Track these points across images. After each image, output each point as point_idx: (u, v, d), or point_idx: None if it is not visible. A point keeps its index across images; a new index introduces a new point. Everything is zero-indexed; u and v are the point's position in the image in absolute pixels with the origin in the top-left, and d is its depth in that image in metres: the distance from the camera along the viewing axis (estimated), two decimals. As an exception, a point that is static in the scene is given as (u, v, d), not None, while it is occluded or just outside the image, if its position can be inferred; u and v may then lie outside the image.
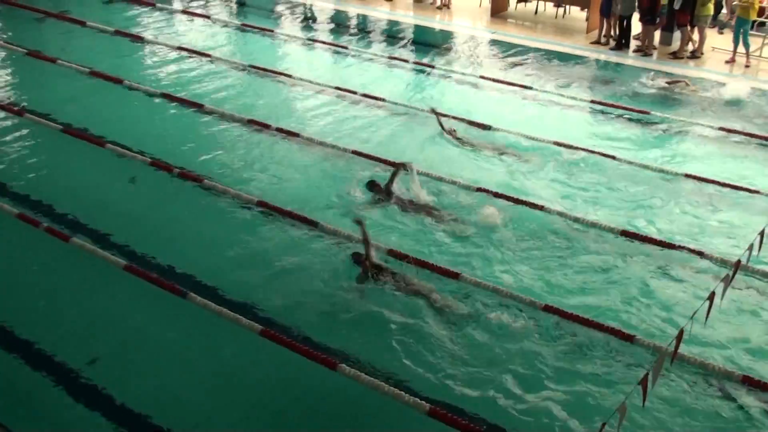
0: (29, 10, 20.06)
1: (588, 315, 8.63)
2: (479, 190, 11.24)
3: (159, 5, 20.61)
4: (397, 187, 11.10)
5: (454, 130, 13.19)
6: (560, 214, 10.66)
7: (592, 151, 12.52)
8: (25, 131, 13.23)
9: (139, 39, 18.02)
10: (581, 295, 9.12)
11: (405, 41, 18.28)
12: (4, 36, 18.27)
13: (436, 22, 19.52)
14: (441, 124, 13.26)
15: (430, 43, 17.92)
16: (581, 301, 8.99)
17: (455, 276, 9.25)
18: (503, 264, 9.64)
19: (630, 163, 12.22)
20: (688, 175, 11.81)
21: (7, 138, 12.96)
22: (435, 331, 8.45)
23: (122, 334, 8.50)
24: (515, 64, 16.58)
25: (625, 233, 10.24)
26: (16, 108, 14.05)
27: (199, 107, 14.06)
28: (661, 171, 11.97)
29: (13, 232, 10.32)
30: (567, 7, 19.86)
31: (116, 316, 8.78)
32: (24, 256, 9.92)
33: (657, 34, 17.74)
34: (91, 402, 7.57)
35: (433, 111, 13.44)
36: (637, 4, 17.05)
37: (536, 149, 12.68)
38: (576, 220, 10.54)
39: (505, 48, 17.56)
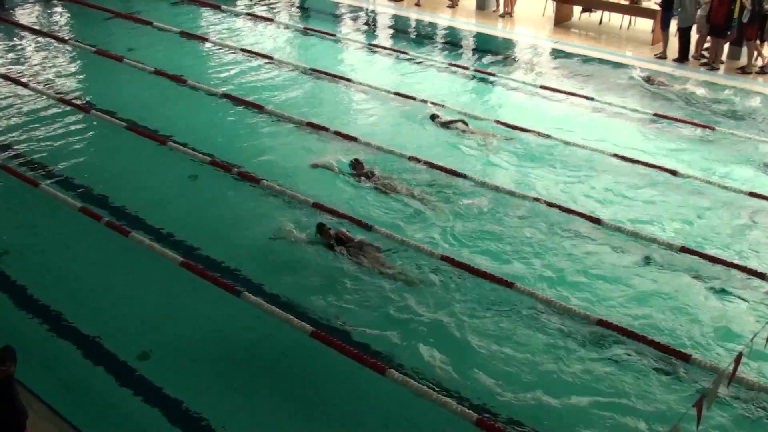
0: (99, 10, 20.56)
1: (643, 331, 8.47)
2: (536, 200, 11.14)
3: (224, 7, 20.92)
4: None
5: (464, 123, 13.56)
6: (618, 228, 10.49)
7: (653, 165, 12.29)
8: (90, 127, 13.58)
9: (203, 40, 18.32)
10: (636, 310, 8.96)
11: (466, 48, 18.21)
12: (75, 34, 18.76)
13: (497, 29, 19.41)
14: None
15: (491, 51, 17.82)
16: (635, 315, 8.83)
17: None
18: (560, 276, 9.53)
19: (692, 178, 11.96)
20: (752, 194, 11.50)
21: (74, 133, 13.30)
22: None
23: (175, 329, 8.64)
24: (577, 75, 16.37)
25: (684, 249, 10.02)
26: (83, 104, 14.42)
27: (259, 109, 14.22)
28: (725, 188, 11.69)
29: (75, 225, 10.58)
30: (633, 18, 19.55)
31: (171, 311, 8.93)
32: (84, 249, 10.16)
33: (725, 48, 17.35)
34: (141, 394, 7.73)
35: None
36: (707, 18, 16.70)
37: (594, 161, 12.50)
38: (634, 234, 10.36)
39: (567, 58, 17.37)
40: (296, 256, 9.86)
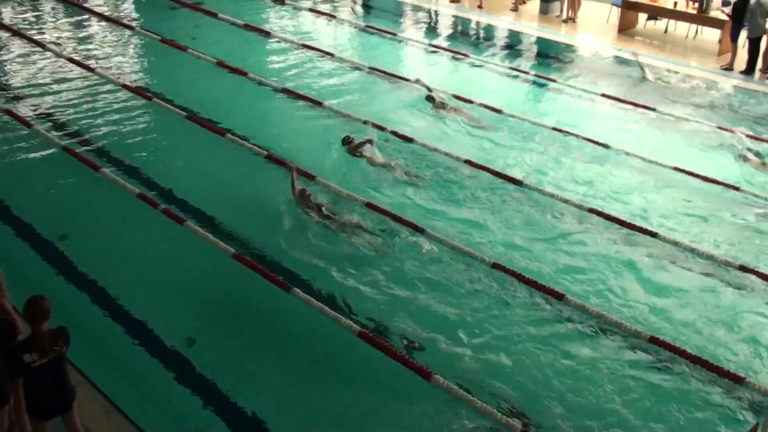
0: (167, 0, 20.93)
1: (695, 350, 8.30)
2: (591, 211, 10.99)
3: (288, 2, 21.09)
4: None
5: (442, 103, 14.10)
6: (675, 243, 10.29)
7: (713, 181, 12.02)
8: (152, 115, 13.81)
9: (266, 34, 18.49)
10: (689, 328, 8.78)
11: (527, 52, 18.04)
12: (142, 22, 19.11)
13: (560, 35, 19.18)
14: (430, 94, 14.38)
15: (552, 56, 17.63)
16: (688, 334, 8.66)
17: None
18: (618, 295, 9.40)
19: (755, 196, 11.67)
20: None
21: (135, 121, 13.55)
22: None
23: (223, 317, 8.75)
24: (640, 84, 16.09)
25: (743, 268, 9.78)
26: (146, 92, 14.67)
27: (317, 104, 14.29)
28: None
29: (132, 210, 10.77)
30: (699, 27, 19.14)
31: (221, 301, 9.04)
32: (140, 235, 10.33)
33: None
34: (185, 379, 7.84)
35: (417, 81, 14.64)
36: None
37: (652, 173, 12.28)
38: (692, 250, 10.15)
39: (630, 66, 17.07)
40: (357, 254, 9.90)
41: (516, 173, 12.01)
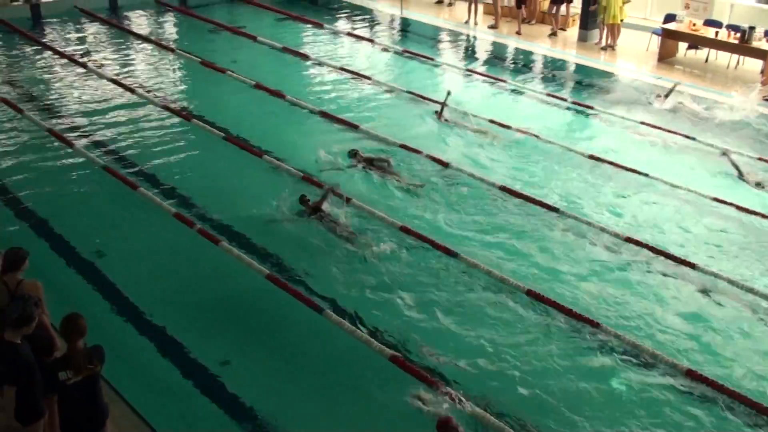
0: (207, 22, 21.24)
1: (733, 385, 8.13)
2: (628, 240, 10.85)
3: (326, 26, 21.28)
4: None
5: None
6: (714, 274, 10.11)
7: (754, 212, 11.81)
8: (190, 136, 13.98)
9: (304, 57, 18.65)
10: (728, 362, 8.60)
11: (564, 79, 17.94)
12: (182, 44, 19.41)
13: (599, 62, 19.07)
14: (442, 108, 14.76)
15: (590, 84, 17.51)
16: (727, 367, 8.48)
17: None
18: (655, 325, 9.25)
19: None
20: None
21: (174, 141, 13.73)
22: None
23: (258, 340, 8.75)
24: (679, 113, 15.90)
25: (784, 302, 9.59)
26: (185, 113, 14.86)
27: (354, 128, 14.34)
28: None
29: (169, 230, 10.87)
30: (741, 57, 18.91)
31: (257, 322, 9.06)
32: (176, 254, 10.43)
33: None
34: (221, 401, 7.85)
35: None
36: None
37: (691, 202, 12.11)
38: (731, 282, 9.96)
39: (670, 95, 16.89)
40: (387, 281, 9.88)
41: (552, 200, 11.92)
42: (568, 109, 16.10)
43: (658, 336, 8.98)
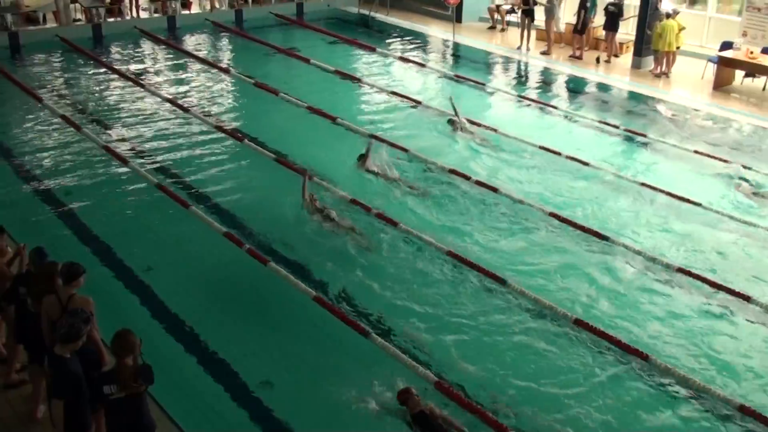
0: (262, 44, 21.57)
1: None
2: (680, 270, 10.64)
3: (379, 50, 21.44)
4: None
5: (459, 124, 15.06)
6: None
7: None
8: (242, 156, 14.17)
9: (356, 80, 18.80)
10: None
11: (617, 106, 17.71)
12: (237, 66, 19.73)
13: (652, 89, 18.83)
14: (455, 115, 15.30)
15: (644, 112, 17.28)
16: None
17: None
18: (707, 358, 9.05)
19: None
20: None
21: (226, 161, 13.92)
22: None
23: (303, 361, 8.77)
24: (735, 143, 15.60)
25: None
26: (237, 133, 15.07)
27: (404, 151, 14.37)
28: None
29: (219, 249, 10.99)
30: (801, 87, 18.53)
31: (302, 344, 9.06)
32: (225, 273, 10.54)
33: None
34: (262, 422, 7.87)
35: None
36: None
37: (747, 234, 11.82)
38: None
39: (725, 124, 16.62)
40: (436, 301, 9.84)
41: (603, 228, 11.76)
42: (621, 136, 15.90)
43: (710, 369, 8.77)
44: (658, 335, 9.38)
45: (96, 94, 17.52)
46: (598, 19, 21.11)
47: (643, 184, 13.27)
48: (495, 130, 15.52)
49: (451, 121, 15.63)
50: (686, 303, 10.06)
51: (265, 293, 10.05)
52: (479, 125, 15.74)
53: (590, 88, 19.15)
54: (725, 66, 19.02)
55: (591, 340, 9.15)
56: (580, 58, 20.89)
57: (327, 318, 9.39)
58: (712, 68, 19.34)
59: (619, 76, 19.92)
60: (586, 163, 14.06)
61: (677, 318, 9.74)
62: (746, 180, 13.74)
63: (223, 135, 15.04)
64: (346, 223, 11.56)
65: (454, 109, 15.59)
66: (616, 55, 21.05)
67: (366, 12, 24.80)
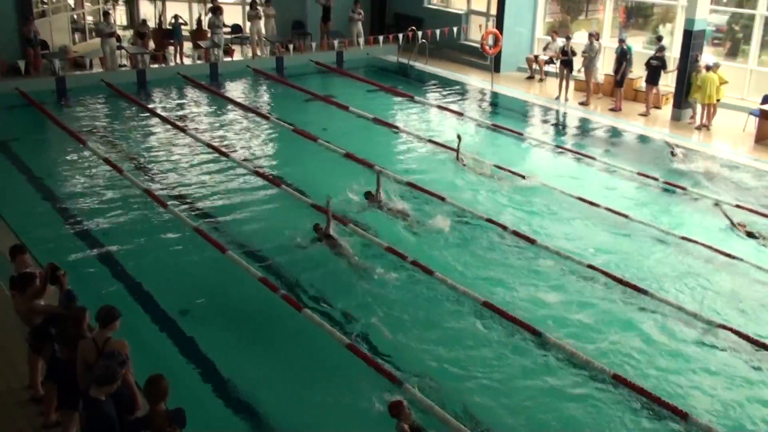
0: (301, 91, 21.86)
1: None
2: (721, 326, 10.40)
3: (417, 98, 21.59)
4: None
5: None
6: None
7: None
8: (280, 202, 14.27)
9: (394, 128, 18.92)
10: None
11: (657, 159, 17.53)
12: (277, 112, 19.99)
13: (692, 142, 18.66)
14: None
15: (684, 164, 17.07)
16: None
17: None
18: (750, 420, 8.78)
19: None
20: None
21: (264, 206, 14.03)
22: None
23: (338, 407, 8.69)
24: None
25: None
26: (275, 178, 15.20)
27: (441, 199, 14.35)
28: None
29: (254, 293, 11.02)
30: None
31: (336, 392, 8.97)
32: (259, 318, 10.54)
33: None
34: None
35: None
36: None
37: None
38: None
39: (766, 178, 16.38)
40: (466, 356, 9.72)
41: (641, 281, 11.58)
42: (661, 189, 15.72)
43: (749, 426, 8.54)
44: (697, 391, 9.17)
45: (138, 138, 17.85)
46: (637, 70, 21.08)
47: (683, 238, 13.08)
48: (532, 180, 15.45)
49: (457, 158, 16.41)
50: (726, 360, 9.82)
51: (301, 340, 10.02)
52: (516, 174, 15.71)
53: (629, 140, 19.05)
54: (767, 119, 18.81)
55: (629, 395, 8.96)
56: (619, 109, 20.83)
57: (361, 367, 9.31)
58: (753, 121, 19.14)
59: (659, 128, 19.79)
60: (624, 215, 13.92)
61: (717, 375, 9.52)
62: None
63: (261, 180, 15.18)
64: (361, 264, 11.79)
65: (458, 147, 16.41)
66: (656, 107, 20.95)
67: (405, 61, 25.04)
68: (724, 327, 10.39)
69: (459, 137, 16.57)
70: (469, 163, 16.16)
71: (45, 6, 24.02)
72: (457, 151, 16.45)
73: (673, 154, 17.11)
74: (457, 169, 16.27)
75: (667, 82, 21.16)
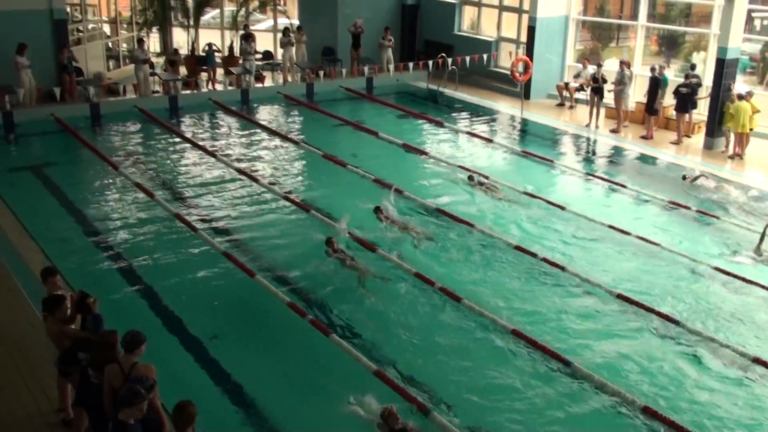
0: (330, 117, 21.99)
1: None
2: (756, 361, 10.21)
3: (446, 124, 21.62)
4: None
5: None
6: None
7: None
8: (308, 227, 14.27)
9: (423, 154, 18.94)
10: None
11: (689, 187, 17.33)
12: (306, 137, 20.11)
13: (725, 171, 18.46)
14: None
15: (716, 193, 16.86)
16: None
17: None
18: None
19: None
20: None
21: (292, 231, 14.08)
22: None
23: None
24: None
25: None
26: (304, 203, 15.25)
27: (470, 226, 14.30)
28: None
29: (282, 318, 11.04)
30: None
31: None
32: (287, 343, 10.56)
33: None
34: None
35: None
36: None
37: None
38: None
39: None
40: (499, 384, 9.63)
41: (674, 312, 11.43)
42: (692, 218, 15.53)
43: None
44: (729, 426, 8.99)
45: (169, 163, 18.05)
46: (669, 98, 20.95)
47: (716, 269, 12.89)
48: (563, 207, 15.37)
49: (470, 177, 16.83)
50: (761, 393, 9.62)
51: (329, 366, 9.98)
52: (546, 201, 15.64)
53: (661, 168, 18.85)
54: (801, 148, 18.57)
55: (658, 428, 8.82)
56: (650, 137, 20.68)
57: (387, 392, 9.25)
58: (787, 149, 18.90)
59: (691, 156, 19.60)
60: (655, 243, 13.77)
61: (753, 409, 9.32)
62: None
63: (290, 205, 15.25)
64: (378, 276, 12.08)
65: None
66: (687, 136, 20.76)
67: (435, 87, 25.12)
68: (759, 361, 10.19)
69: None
70: (504, 191, 16.18)
71: (81, 34, 24.49)
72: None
73: (685, 177, 17.24)
74: (483, 194, 16.24)
75: (700, 110, 20.99)
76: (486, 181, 16.58)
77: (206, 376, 9.76)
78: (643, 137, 20.78)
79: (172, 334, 10.67)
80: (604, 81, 21.34)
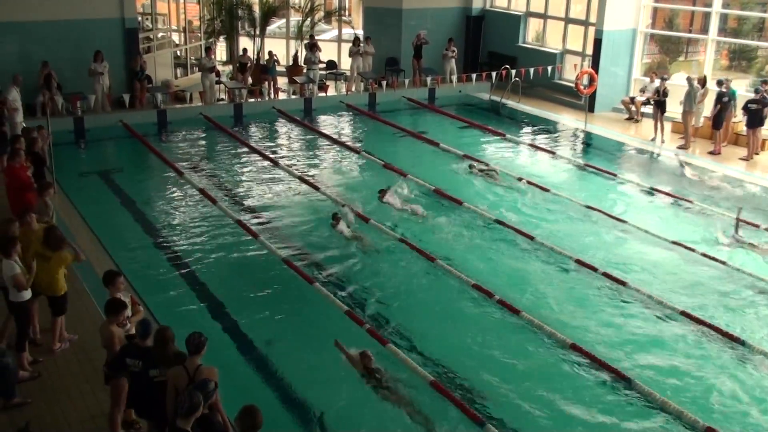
0: (392, 127, 22.05)
1: None
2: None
3: (508, 136, 21.46)
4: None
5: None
6: None
7: None
8: (366, 235, 14.29)
9: (484, 165, 18.80)
10: None
11: (757, 206, 16.72)
12: (367, 147, 20.19)
13: (794, 189, 17.85)
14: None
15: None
16: None
17: None
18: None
19: None
20: None
21: (351, 240, 14.05)
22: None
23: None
24: None
25: None
26: (363, 213, 15.26)
27: (530, 239, 14.16)
28: None
29: (338, 325, 11.07)
30: None
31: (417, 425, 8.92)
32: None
33: None
34: None
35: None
36: None
37: None
38: None
39: None
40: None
41: (742, 333, 11.15)
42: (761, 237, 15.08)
43: None
44: None
45: (233, 170, 18.31)
46: (739, 113, 20.39)
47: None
48: (624, 222, 15.11)
49: (471, 166, 18.06)
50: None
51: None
52: (606, 214, 15.39)
53: (729, 185, 18.31)
54: None
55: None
56: (718, 153, 20.17)
57: (443, 404, 9.19)
58: None
59: (760, 173, 19.03)
60: (722, 262, 13.41)
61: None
62: None
63: (350, 214, 15.28)
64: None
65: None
66: (756, 153, 20.16)
67: (497, 99, 24.97)
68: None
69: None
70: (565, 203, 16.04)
71: (150, 42, 25.07)
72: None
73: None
74: (540, 204, 16.07)
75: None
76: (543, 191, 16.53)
77: (260, 380, 9.85)
78: (711, 153, 20.27)
79: (230, 338, 10.81)
80: (665, 95, 20.86)
